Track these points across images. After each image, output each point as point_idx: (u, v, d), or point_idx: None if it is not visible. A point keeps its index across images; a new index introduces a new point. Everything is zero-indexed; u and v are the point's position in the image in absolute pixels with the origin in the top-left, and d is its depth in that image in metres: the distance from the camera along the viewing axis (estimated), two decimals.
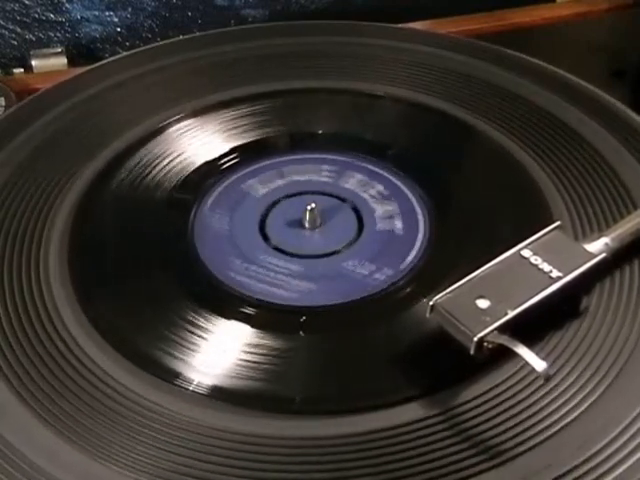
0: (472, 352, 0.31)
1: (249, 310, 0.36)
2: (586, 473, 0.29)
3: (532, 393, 0.32)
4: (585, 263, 0.35)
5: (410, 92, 0.49)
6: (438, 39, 0.55)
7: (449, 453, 0.30)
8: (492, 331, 0.31)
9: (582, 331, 0.34)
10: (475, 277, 0.34)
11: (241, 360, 0.34)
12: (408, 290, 0.37)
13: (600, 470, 0.29)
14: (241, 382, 0.33)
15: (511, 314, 0.32)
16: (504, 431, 0.31)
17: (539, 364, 0.30)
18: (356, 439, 0.31)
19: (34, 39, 0.61)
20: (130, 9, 0.62)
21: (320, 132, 0.47)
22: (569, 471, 0.29)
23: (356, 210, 0.42)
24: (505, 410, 0.31)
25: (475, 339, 0.31)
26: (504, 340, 0.31)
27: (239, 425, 0.31)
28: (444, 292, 0.33)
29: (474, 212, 0.41)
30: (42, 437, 0.31)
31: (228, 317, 0.36)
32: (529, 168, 0.43)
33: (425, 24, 0.62)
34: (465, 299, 0.33)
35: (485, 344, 0.31)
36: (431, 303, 0.33)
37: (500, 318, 0.32)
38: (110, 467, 0.30)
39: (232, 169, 0.45)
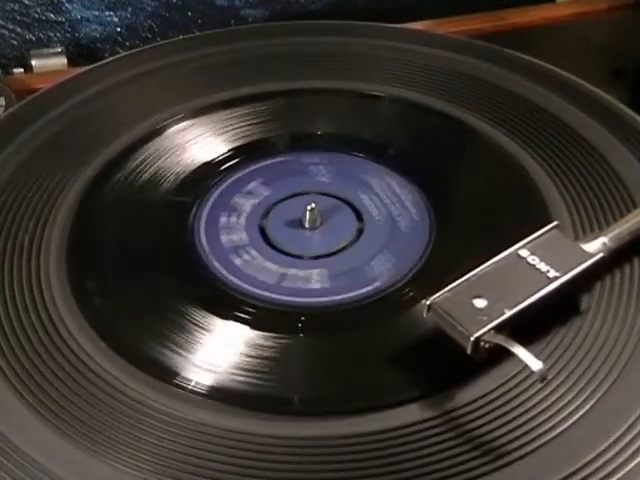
0: (469, 352, 0.31)
1: (248, 310, 0.37)
2: (587, 476, 0.29)
3: (532, 395, 0.32)
4: (583, 263, 0.35)
5: (410, 92, 0.49)
6: (438, 39, 0.54)
7: (449, 456, 0.30)
8: (489, 331, 0.31)
9: (581, 332, 0.34)
10: (472, 277, 0.34)
11: (240, 360, 0.34)
12: (408, 291, 0.37)
13: (602, 472, 0.29)
14: (240, 382, 0.33)
15: (508, 314, 0.32)
16: (504, 434, 0.31)
17: (535, 364, 0.30)
18: (355, 440, 0.31)
19: (34, 39, 0.61)
20: (130, 9, 0.62)
21: (320, 132, 0.47)
22: (570, 474, 0.29)
23: (356, 210, 0.42)
24: (506, 412, 0.31)
25: (472, 339, 0.31)
26: (501, 340, 0.31)
27: (237, 425, 0.31)
28: (441, 291, 0.33)
29: (473, 212, 0.41)
30: (41, 435, 0.31)
31: (227, 317, 0.36)
32: (528, 168, 0.43)
33: (425, 24, 0.62)
34: (462, 299, 0.33)
35: (482, 344, 0.31)
36: (428, 302, 0.33)
37: (497, 318, 0.32)
38: (109, 464, 0.30)
39: (232, 169, 0.45)
